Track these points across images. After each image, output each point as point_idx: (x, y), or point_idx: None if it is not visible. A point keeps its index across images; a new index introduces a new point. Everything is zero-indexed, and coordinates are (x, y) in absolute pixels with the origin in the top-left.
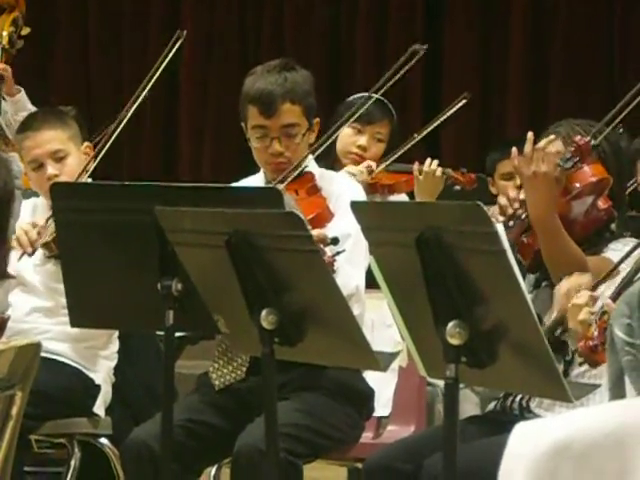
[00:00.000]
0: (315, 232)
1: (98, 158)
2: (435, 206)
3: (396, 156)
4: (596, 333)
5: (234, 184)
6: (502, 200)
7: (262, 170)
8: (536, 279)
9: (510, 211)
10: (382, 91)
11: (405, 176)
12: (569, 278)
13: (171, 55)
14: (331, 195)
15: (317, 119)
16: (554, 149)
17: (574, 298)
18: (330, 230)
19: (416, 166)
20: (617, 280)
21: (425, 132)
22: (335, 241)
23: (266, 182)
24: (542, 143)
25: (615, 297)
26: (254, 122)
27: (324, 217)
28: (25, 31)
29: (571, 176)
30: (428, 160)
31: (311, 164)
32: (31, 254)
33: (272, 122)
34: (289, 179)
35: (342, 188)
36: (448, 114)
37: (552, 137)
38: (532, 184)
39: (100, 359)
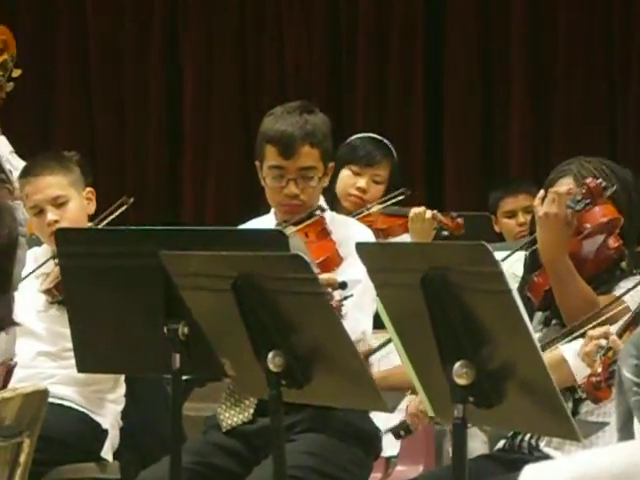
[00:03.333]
0: (325, 276)
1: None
2: (440, 246)
3: (389, 203)
4: (600, 369)
5: (244, 224)
6: None
7: (273, 211)
8: (546, 317)
9: None
10: None
11: (400, 219)
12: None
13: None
14: (342, 240)
15: (332, 163)
16: (565, 188)
17: (591, 330)
18: (340, 275)
19: (410, 212)
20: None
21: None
22: (343, 285)
23: (277, 223)
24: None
25: (621, 333)
26: (272, 162)
27: (333, 261)
28: (16, 73)
29: (582, 217)
30: (415, 207)
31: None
32: None
33: (290, 163)
34: (300, 221)
35: (353, 233)
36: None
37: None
38: (543, 225)
39: (107, 403)
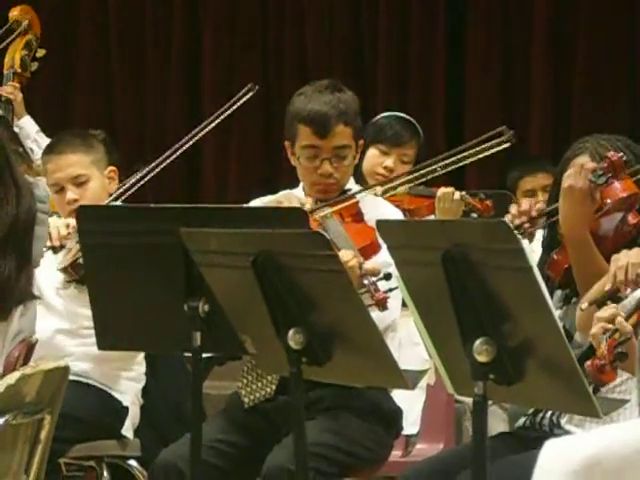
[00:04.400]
0: (369, 265)
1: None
2: (461, 224)
3: (420, 181)
4: (605, 352)
5: (273, 195)
6: (513, 209)
7: (301, 186)
8: (566, 295)
9: (517, 222)
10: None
11: (427, 200)
12: (628, 252)
13: (237, 105)
14: (372, 221)
15: (362, 141)
16: (590, 165)
17: (600, 311)
18: (374, 260)
19: (438, 192)
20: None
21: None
22: (388, 277)
23: None
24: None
25: (629, 315)
26: (306, 142)
27: (373, 248)
28: (40, 53)
29: (602, 192)
30: (444, 187)
31: (353, 187)
32: (58, 249)
33: (325, 143)
34: (332, 201)
35: (383, 213)
36: (487, 152)
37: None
38: (567, 198)
39: (127, 380)
